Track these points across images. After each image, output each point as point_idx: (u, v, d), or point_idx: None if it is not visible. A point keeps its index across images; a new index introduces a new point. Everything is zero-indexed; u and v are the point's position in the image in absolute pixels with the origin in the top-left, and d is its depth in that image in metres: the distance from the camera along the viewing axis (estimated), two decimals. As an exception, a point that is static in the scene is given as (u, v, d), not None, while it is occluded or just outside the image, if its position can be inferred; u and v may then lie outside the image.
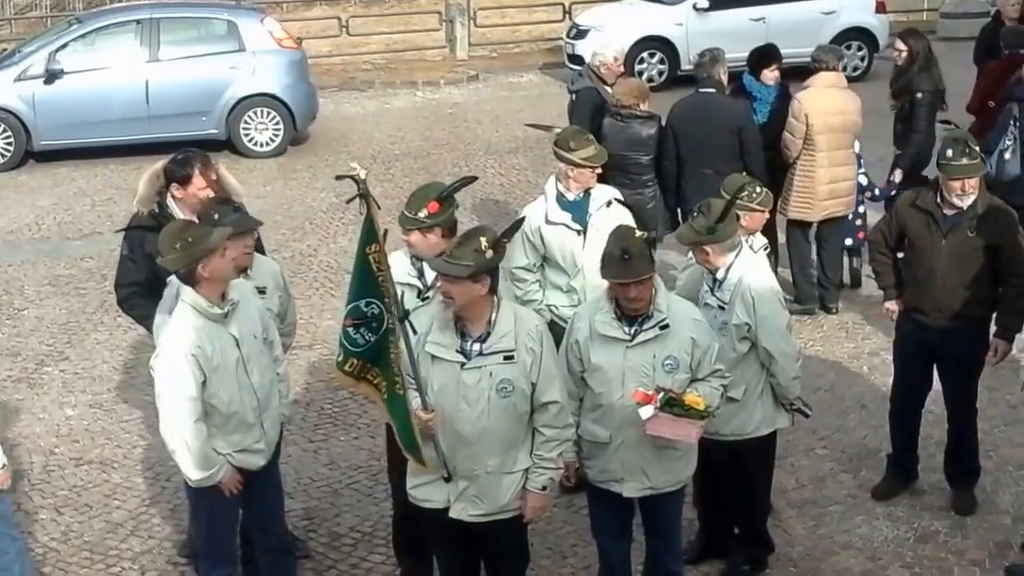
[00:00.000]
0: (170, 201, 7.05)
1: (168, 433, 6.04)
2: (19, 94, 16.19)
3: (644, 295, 6.05)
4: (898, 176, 10.69)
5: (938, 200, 7.41)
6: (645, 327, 6.08)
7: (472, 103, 19.55)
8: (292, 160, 16.31)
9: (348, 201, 5.97)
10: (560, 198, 7.62)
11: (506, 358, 5.84)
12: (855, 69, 19.08)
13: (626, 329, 6.10)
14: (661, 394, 5.93)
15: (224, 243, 6.05)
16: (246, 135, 16.58)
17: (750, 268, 6.72)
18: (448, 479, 5.97)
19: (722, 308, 6.63)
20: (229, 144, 16.55)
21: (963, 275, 7.38)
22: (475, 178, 7.15)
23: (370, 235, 5.70)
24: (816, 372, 9.69)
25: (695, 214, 6.67)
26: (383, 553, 7.50)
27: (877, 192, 10.97)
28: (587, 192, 7.60)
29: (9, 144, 16.21)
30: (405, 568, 7.14)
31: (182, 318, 6.02)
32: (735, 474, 6.94)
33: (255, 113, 16.60)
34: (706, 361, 6.17)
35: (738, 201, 6.78)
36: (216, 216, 6.38)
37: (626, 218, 7.12)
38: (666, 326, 6.07)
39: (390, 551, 7.38)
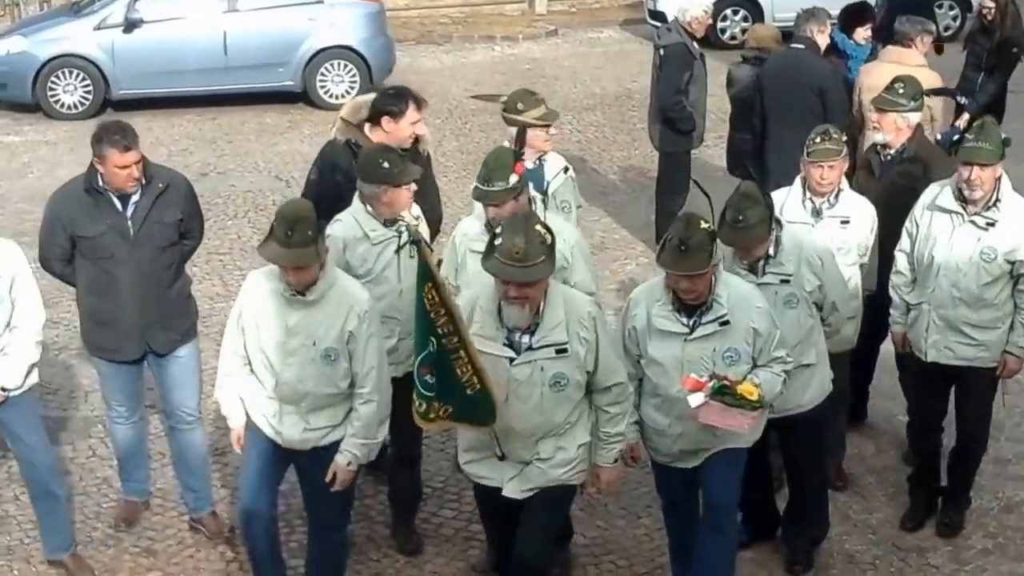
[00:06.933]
0: (369, 135, 6.98)
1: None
2: (98, 43, 16.26)
3: (698, 288, 5.77)
4: (963, 122, 10.39)
5: (877, 148, 7.56)
6: (704, 320, 5.84)
7: (550, 59, 19.36)
8: (368, 113, 16.21)
9: (397, 250, 6.42)
10: None
11: (558, 351, 5.60)
12: (946, 29, 18.52)
13: (684, 321, 5.87)
14: (713, 382, 5.70)
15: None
16: (322, 87, 16.55)
17: (800, 230, 6.58)
18: (503, 458, 5.84)
19: (785, 282, 6.33)
20: (305, 96, 16.56)
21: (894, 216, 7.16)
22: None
23: (425, 277, 5.57)
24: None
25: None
26: (454, 508, 7.47)
27: (940, 136, 10.52)
28: (540, 159, 7.30)
29: (88, 93, 16.30)
30: None
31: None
32: (810, 444, 6.70)
33: (332, 65, 16.55)
34: (767, 348, 5.94)
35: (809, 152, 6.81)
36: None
37: (572, 189, 7.26)
38: (726, 322, 5.84)
39: (461, 506, 7.36)
